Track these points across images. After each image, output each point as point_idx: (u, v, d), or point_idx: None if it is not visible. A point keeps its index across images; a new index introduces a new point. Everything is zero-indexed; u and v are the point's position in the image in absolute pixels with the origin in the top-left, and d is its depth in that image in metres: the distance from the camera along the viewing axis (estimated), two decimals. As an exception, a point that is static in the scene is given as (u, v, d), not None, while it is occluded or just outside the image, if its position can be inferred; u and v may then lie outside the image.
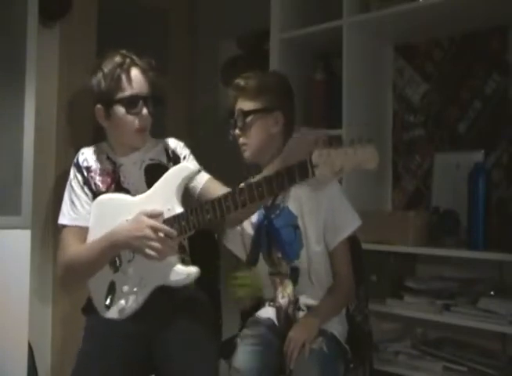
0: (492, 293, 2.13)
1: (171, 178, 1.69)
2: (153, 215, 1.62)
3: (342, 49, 2.36)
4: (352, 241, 1.89)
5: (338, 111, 2.37)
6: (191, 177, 1.71)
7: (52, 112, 2.67)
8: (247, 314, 1.91)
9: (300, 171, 1.46)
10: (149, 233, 1.58)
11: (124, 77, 1.73)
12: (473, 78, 2.38)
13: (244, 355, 1.66)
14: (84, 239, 1.76)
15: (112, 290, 1.72)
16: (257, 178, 1.56)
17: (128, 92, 1.73)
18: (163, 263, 1.61)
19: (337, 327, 1.80)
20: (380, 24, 2.40)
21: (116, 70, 1.72)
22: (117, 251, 1.70)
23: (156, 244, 1.58)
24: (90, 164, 1.82)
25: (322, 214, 1.82)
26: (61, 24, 2.67)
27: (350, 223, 1.84)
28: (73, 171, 1.83)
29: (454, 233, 2.24)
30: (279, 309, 1.78)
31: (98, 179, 1.80)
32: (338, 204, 1.83)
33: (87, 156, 1.85)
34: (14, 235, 2.05)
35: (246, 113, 1.84)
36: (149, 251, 1.59)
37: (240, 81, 1.87)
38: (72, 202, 1.79)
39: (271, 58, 2.59)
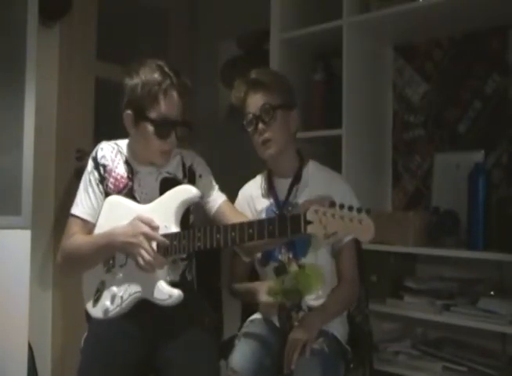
0: (492, 293, 2.13)
1: (173, 198, 1.70)
2: (149, 224, 1.64)
3: (342, 49, 2.36)
4: (354, 242, 1.89)
5: (338, 111, 2.36)
6: (192, 201, 1.71)
7: (52, 112, 2.68)
8: (247, 314, 1.91)
9: (292, 225, 1.46)
10: (142, 240, 1.60)
11: (161, 96, 1.68)
12: (473, 78, 2.38)
13: (241, 355, 1.66)
14: (89, 233, 1.78)
15: (101, 288, 1.74)
16: (253, 219, 1.58)
17: (161, 115, 1.69)
18: (150, 278, 1.63)
19: (338, 328, 1.80)
20: (380, 24, 2.39)
21: (154, 87, 1.67)
22: (112, 252, 1.71)
23: (147, 256, 1.60)
24: (107, 163, 1.81)
25: None
26: (61, 24, 2.67)
27: None
28: (90, 165, 1.82)
29: (454, 233, 2.24)
30: (282, 310, 1.78)
31: (111, 181, 1.79)
32: (348, 204, 1.83)
33: (105, 153, 1.82)
34: (14, 235, 2.05)
35: (274, 108, 1.80)
36: (140, 261, 1.61)
37: (259, 76, 1.84)
38: (87, 194, 1.80)
39: (271, 58, 2.59)
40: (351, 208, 1.43)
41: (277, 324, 1.78)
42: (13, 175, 2.06)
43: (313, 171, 1.90)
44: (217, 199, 1.81)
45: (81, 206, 1.79)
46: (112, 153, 1.83)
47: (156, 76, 1.68)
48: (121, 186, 1.79)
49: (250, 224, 1.54)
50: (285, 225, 1.47)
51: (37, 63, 2.12)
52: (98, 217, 1.79)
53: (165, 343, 1.65)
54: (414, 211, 2.41)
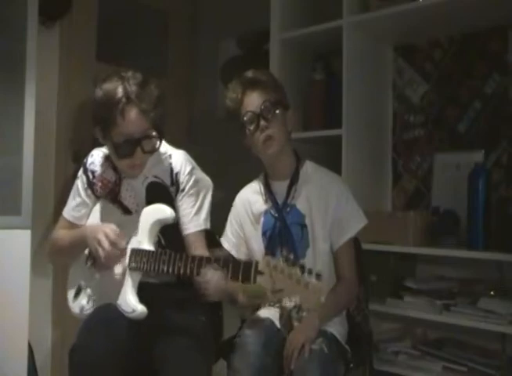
0: (492, 293, 2.13)
1: (149, 215, 1.70)
2: (112, 232, 1.67)
3: (342, 49, 2.35)
4: (352, 241, 1.89)
5: (338, 111, 2.36)
6: (165, 222, 1.69)
7: (52, 112, 2.68)
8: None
9: (243, 273, 1.45)
10: (101, 236, 1.65)
11: (119, 117, 1.63)
12: (473, 78, 2.38)
13: (242, 354, 1.66)
14: None
15: (81, 286, 1.83)
16: (215, 255, 1.58)
17: (121, 136, 1.66)
18: (120, 287, 1.66)
19: (338, 328, 1.79)
20: (380, 24, 2.39)
21: (112, 107, 1.63)
22: (83, 245, 1.76)
23: (105, 245, 1.64)
24: (96, 169, 1.85)
25: (330, 213, 1.82)
26: (61, 24, 2.67)
27: (356, 222, 1.85)
28: (81, 171, 1.88)
29: (454, 233, 2.24)
30: (283, 311, 1.78)
31: (99, 185, 1.84)
32: (345, 203, 1.84)
33: (95, 159, 1.86)
34: (14, 235, 2.05)
35: (274, 104, 1.80)
36: (99, 252, 1.65)
37: (255, 75, 1.84)
38: (74, 199, 1.88)
39: (271, 58, 2.59)
40: (302, 268, 1.37)
41: (277, 324, 1.78)
42: (13, 175, 2.06)
43: (310, 171, 1.90)
44: (189, 226, 1.79)
45: (67, 208, 1.90)
46: (102, 159, 1.86)
47: (115, 93, 1.63)
48: (108, 191, 1.83)
49: (208, 260, 1.53)
50: (237, 271, 1.46)
51: (37, 63, 2.12)
52: (87, 219, 1.87)
53: (162, 342, 1.64)
54: (414, 211, 2.41)
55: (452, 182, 2.35)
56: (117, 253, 1.66)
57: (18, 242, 2.05)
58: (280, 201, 1.86)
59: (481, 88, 2.36)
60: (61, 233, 1.88)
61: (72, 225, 1.87)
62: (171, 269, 1.57)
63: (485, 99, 2.35)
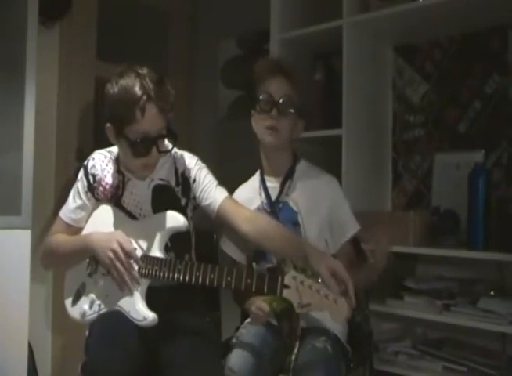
0: (492, 293, 2.13)
1: (160, 222, 1.68)
2: (127, 242, 1.64)
3: (342, 49, 2.35)
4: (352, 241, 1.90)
5: (338, 111, 2.36)
6: (178, 230, 1.68)
7: (52, 112, 2.68)
8: (247, 314, 1.91)
9: (269, 285, 1.45)
10: (116, 247, 1.62)
11: (138, 114, 1.59)
12: (473, 78, 2.38)
13: (239, 354, 1.66)
14: (72, 234, 1.82)
15: (81, 290, 1.76)
16: (235, 268, 1.55)
17: (139, 134, 1.61)
18: (129, 295, 1.64)
19: (339, 328, 1.79)
20: (380, 24, 2.39)
21: (131, 104, 1.58)
22: (87, 254, 1.73)
23: (119, 266, 1.61)
24: (97, 173, 1.79)
25: (324, 212, 1.83)
26: (61, 24, 2.68)
27: (351, 228, 1.86)
28: (81, 173, 1.82)
29: (454, 233, 2.24)
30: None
31: (100, 190, 1.78)
32: (341, 206, 1.86)
33: (96, 163, 1.80)
34: (14, 235, 2.05)
35: (293, 104, 1.81)
36: (111, 270, 1.62)
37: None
38: (73, 201, 1.82)
39: (271, 58, 2.59)
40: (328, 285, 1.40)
41: (275, 323, 1.78)
42: (13, 175, 2.06)
43: (305, 170, 1.91)
44: (216, 199, 1.78)
45: (65, 210, 1.83)
46: (103, 162, 1.80)
47: (135, 90, 1.59)
48: (110, 195, 1.78)
49: (230, 272, 1.52)
50: (262, 286, 1.46)
51: (37, 63, 2.12)
52: (86, 222, 1.81)
53: (168, 343, 1.64)
54: (414, 211, 2.41)
55: (452, 182, 2.35)
56: (136, 276, 1.63)
57: (18, 242, 2.05)
58: (273, 197, 1.87)
59: (481, 88, 2.36)
60: (59, 238, 1.80)
61: (69, 228, 1.81)
62: (187, 278, 1.57)
63: (485, 99, 2.35)
